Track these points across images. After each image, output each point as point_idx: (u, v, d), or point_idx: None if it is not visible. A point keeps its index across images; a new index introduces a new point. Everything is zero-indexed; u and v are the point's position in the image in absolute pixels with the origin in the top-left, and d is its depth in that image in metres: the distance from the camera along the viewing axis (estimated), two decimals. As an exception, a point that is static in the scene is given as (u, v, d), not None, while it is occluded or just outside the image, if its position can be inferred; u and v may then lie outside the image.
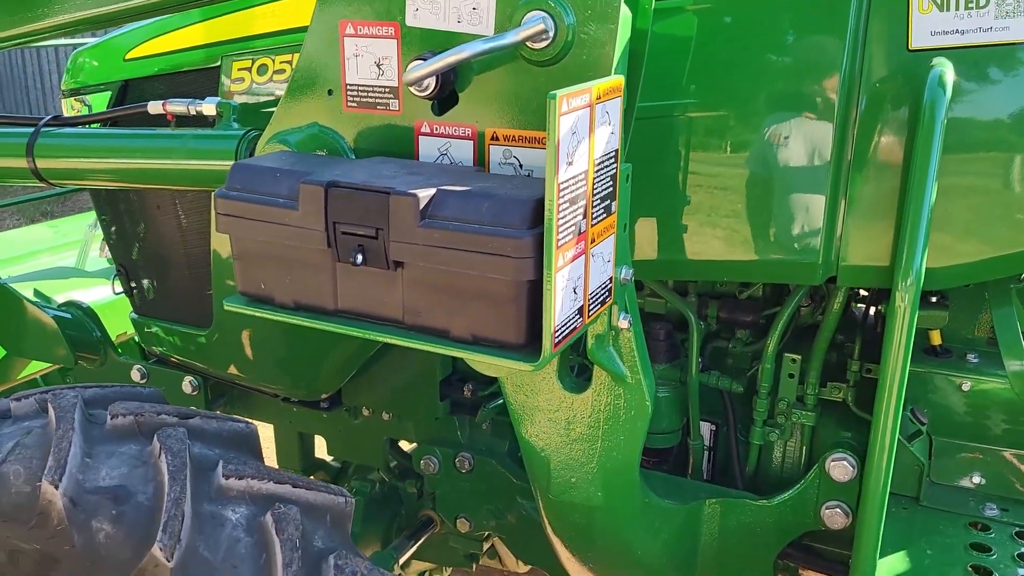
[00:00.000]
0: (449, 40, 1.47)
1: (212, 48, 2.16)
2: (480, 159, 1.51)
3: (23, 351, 2.78)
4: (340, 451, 2.65)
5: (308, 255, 1.38)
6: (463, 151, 1.52)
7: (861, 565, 1.63)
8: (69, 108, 2.53)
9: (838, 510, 1.88)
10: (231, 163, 1.76)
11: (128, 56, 2.32)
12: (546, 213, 1.18)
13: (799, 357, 1.98)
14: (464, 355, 1.34)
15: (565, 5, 1.36)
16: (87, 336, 2.70)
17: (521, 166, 1.48)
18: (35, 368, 3.48)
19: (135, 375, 2.63)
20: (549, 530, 1.83)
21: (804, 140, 1.63)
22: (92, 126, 2.12)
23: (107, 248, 3.64)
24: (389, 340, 1.39)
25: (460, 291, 1.28)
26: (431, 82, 1.44)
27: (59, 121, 2.03)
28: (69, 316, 2.69)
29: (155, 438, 1.62)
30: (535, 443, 1.67)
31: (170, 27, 2.24)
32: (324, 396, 2.37)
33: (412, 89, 1.46)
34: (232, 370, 2.36)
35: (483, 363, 1.44)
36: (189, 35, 2.19)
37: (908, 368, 1.51)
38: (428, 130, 1.55)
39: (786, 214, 1.67)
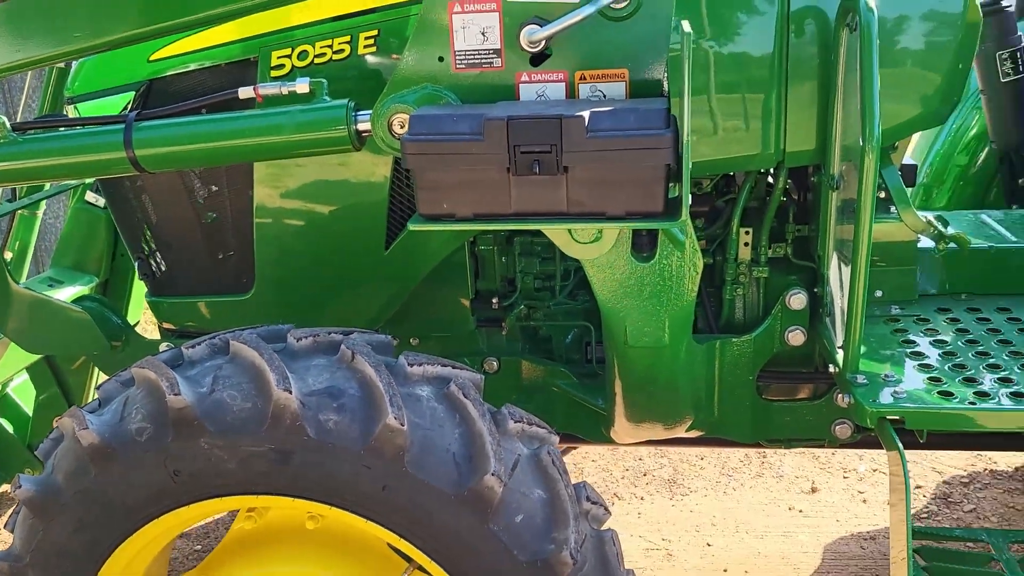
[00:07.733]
0: (543, 10, 1.99)
1: (249, 42, 2.50)
2: (571, 95, 2.05)
3: (52, 347, 2.95)
4: None
5: (489, 174, 1.86)
6: (557, 91, 2.06)
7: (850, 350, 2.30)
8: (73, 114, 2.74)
9: (798, 331, 2.60)
10: (342, 128, 2.18)
11: (153, 57, 2.58)
12: (683, 113, 1.76)
13: (751, 229, 2.66)
14: (620, 227, 1.89)
15: None
16: (110, 323, 2.92)
17: (604, 96, 2.04)
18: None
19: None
20: (616, 380, 2.41)
21: None
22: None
23: None
24: (555, 227, 1.91)
25: (616, 180, 1.83)
26: (544, 41, 1.96)
27: (144, 116, 2.30)
28: (93, 307, 2.90)
29: (342, 348, 2.03)
30: (615, 307, 2.24)
31: (194, 31, 2.54)
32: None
33: (527, 47, 1.97)
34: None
35: (562, 243, 2.03)
36: (222, 33, 2.51)
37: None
38: (527, 79, 2.06)
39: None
